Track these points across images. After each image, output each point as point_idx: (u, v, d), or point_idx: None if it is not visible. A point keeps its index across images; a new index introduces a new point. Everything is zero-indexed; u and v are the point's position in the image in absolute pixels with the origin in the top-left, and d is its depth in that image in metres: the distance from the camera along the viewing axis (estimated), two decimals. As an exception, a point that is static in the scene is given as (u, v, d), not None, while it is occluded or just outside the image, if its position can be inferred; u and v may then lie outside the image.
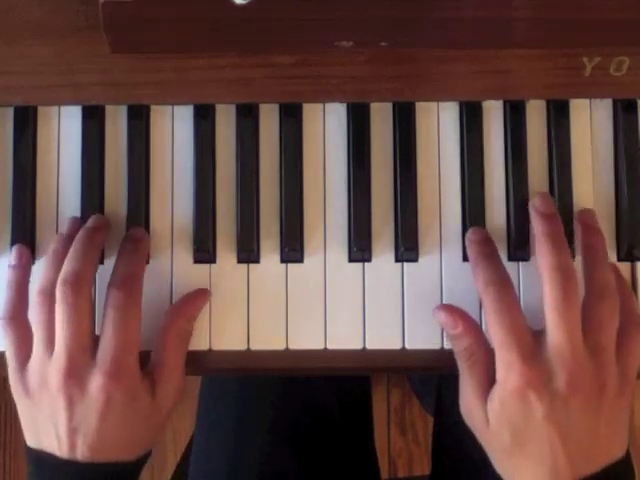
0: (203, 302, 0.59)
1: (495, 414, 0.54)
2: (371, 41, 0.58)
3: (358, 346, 0.60)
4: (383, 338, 0.59)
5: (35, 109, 0.61)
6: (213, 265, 0.60)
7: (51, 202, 0.61)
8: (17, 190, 0.60)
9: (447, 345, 0.59)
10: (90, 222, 0.59)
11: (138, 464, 0.58)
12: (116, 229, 0.60)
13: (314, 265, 0.60)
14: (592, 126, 0.61)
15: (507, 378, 0.53)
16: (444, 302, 0.59)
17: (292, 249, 0.60)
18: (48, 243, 0.60)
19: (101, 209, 0.60)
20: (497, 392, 0.53)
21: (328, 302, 0.60)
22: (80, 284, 0.55)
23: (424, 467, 1.38)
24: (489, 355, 0.55)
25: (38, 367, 0.56)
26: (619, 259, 0.60)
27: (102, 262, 0.60)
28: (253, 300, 0.60)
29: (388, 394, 1.40)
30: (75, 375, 0.54)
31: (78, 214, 0.60)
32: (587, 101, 0.61)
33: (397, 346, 0.59)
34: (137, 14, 0.54)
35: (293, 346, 0.60)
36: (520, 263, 0.60)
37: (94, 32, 0.58)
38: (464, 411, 0.57)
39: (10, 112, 0.61)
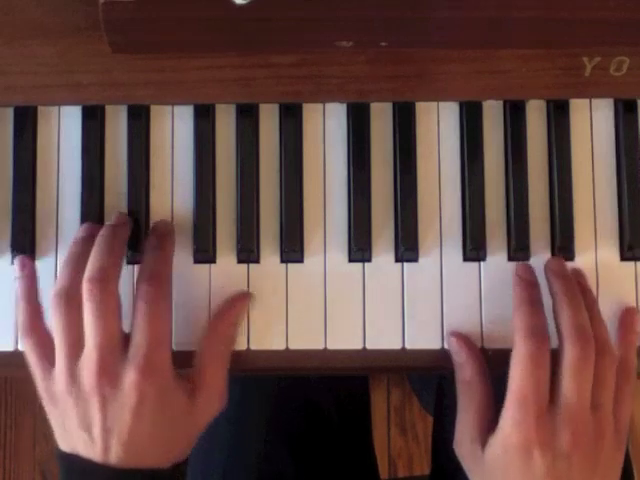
0: (245, 306, 0.59)
1: (494, 458, 0.54)
2: (371, 41, 0.58)
3: (358, 346, 0.60)
4: (383, 338, 0.60)
5: (35, 109, 0.61)
6: (213, 265, 0.60)
7: (51, 202, 0.61)
8: (17, 190, 0.60)
9: (447, 345, 0.59)
10: (112, 220, 0.59)
11: (173, 474, 0.57)
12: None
13: (314, 265, 0.60)
14: (592, 126, 0.61)
15: (514, 431, 0.53)
16: (444, 302, 0.59)
17: (292, 249, 0.60)
18: (48, 243, 0.60)
19: (101, 209, 0.60)
20: (500, 440, 0.54)
21: (328, 302, 0.60)
22: (107, 281, 0.54)
23: (424, 467, 1.38)
24: (487, 393, 0.56)
25: (64, 370, 0.54)
26: (622, 259, 0.60)
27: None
28: (253, 300, 0.60)
29: (388, 394, 1.40)
30: (107, 373, 0.53)
31: (78, 214, 0.60)
32: (587, 101, 0.61)
33: (397, 346, 0.59)
34: (137, 14, 0.54)
35: (293, 346, 0.60)
36: (519, 263, 0.60)
37: (94, 32, 0.58)
38: (456, 443, 0.57)
39: (10, 112, 0.61)
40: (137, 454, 0.55)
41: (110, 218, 0.60)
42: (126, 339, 0.55)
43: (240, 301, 0.59)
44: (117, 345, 0.54)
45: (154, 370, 0.54)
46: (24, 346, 0.57)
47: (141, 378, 0.53)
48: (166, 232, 0.59)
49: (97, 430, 0.54)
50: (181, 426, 0.56)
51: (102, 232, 0.57)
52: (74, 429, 0.55)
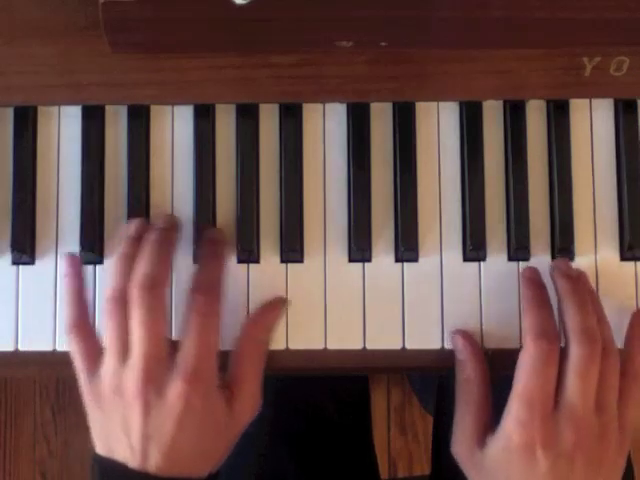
0: (280, 311, 0.59)
1: (495, 458, 0.54)
2: (371, 41, 0.58)
3: (358, 346, 0.60)
4: (383, 338, 0.59)
5: (35, 109, 0.61)
6: (213, 265, 0.60)
7: (51, 202, 0.61)
8: (17, 190, 0.60)
9: (447, 345, 0.59)
10: (162, 222, 0.58)
11: None
12: (116, 229, 0.60)
13: (314, 265, 0.60)
14: (592, 126, 0.61)
15: (518, 431, 0.53)
16: (444, 302, 0.59)
17: (292, 249, 0.60)
18: (48, 243, 0.60)
19: (101, 209, 0.60)
20: (503, 439, 0.54)
21: (328, 302, 0.60)
22: (156, 287, 0.54)
23: (424, 467, 1.38)
24: (486, 394, 0.56)
25: (111, 375, 0.54)
26: (622, 259, 0.60)
27: (102, 262, 0.60)
28: (253, 300, 0.60)
29: (388, 394, 1.40)
30: (153, 380, 0.53)
31: (78, 214, 0.60)
32: (587, 101, 0.61)
33: (397, 346, 0.59)
34: (137, 14, 0.54)
35: (293, 346, 0.60)
36: (520, 263, 0.60)
37: (94, 32, 0.58)
38: (454, 442, 0.57)
39: (10, 112, 0.61)
40: (176, 463, 0.54)
41: (110, 217, 0.60)
42: (172, 345, 0.54)
43: (276, 307, 0.59)
44: (163, 353, 0.54)
45: (201, 380, 0.53)
46: (69, 345, 0.56)
47: (188, 388, 0.53)
48: (221, 240, 0.59)
49: (136, 436, 0.53)
50: (219, 434, 0.56)
51: (152, 236, 0.56)
52: (115, 431, 0.54)
